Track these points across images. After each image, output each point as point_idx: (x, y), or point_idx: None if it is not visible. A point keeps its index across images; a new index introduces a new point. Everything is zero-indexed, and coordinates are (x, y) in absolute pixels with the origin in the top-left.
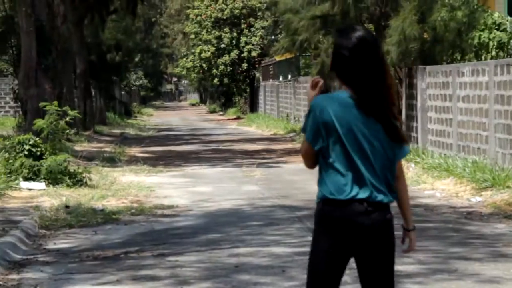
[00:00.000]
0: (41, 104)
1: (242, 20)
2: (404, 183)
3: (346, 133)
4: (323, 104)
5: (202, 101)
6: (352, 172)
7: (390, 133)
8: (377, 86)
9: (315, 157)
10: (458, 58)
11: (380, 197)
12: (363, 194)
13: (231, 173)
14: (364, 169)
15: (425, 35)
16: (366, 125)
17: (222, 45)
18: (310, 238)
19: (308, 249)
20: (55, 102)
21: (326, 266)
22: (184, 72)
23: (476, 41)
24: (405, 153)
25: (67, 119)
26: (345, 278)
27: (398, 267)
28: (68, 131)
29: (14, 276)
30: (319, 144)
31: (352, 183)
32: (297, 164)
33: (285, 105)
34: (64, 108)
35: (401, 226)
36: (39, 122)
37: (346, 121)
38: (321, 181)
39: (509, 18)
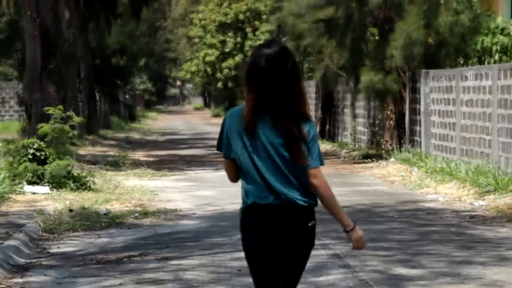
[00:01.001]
0: (46, 108)
1: (247, 24)
2: (323, 190)
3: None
4: (229, 117)
5: (206, 105)
6: (262, 181)
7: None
8: (280, 95)
9: (234, 168)
10: (462, 62)
11: (290, 201)
12: (274, 200)
13: None
14: (272, 177)
15: (430, 40)
16: (274, 134)
17: (226, 49)
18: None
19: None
20: (60, 106)
21: (260, 267)
22: (188, 76)
23: (479, 45)
24: (314, 164)
25: (72, 123)
26: (347, 282)
27: (400, 271)
28: (72, 135)
29: (18, 279)
30: (233, 154)
31: (263, 191)
32: None
33: None
34: (68, 113)
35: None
36: (44, 127)
37: (255, 132)
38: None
39: None
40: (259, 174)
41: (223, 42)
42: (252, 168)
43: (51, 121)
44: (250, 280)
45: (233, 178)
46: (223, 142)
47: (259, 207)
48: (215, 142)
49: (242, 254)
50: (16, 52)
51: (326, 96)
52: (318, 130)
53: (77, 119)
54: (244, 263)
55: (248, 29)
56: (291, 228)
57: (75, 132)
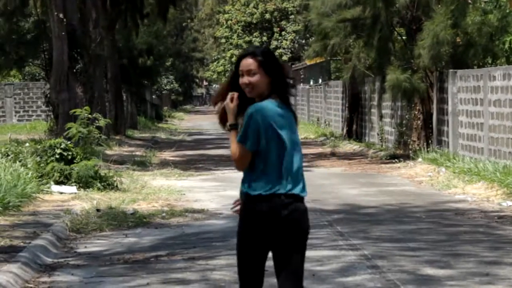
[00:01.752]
0: (73, 110)
1: (274, 24)
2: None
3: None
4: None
5: None
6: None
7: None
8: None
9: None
10: (490, 62)
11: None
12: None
13: None
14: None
15: (457, 39)
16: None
17: None
18: (341, 243)
19: (338, 252)
20: (87, 107)
21: (250, 255)
22: (214, 76)
23: (507, 45)
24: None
25: (98, 124)
26: (375, 282)
27: (428, 271)
28: (99, 136)
29: (45, 279)
30: (254, 146)
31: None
32: (328, 168)
33: (316, 109)
34: (95, 115)
35: None
36: (72, 129)
37: (281, 125)
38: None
39: None
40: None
41: (249, 43)
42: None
43: (78, 122)
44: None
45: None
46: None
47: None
48: None
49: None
50: (43, 52)
51: (353, 96)
52: (345, 130)
53: (103, 121)
54: (271, 263)
55: (276, 29)
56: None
57: (102, 135)
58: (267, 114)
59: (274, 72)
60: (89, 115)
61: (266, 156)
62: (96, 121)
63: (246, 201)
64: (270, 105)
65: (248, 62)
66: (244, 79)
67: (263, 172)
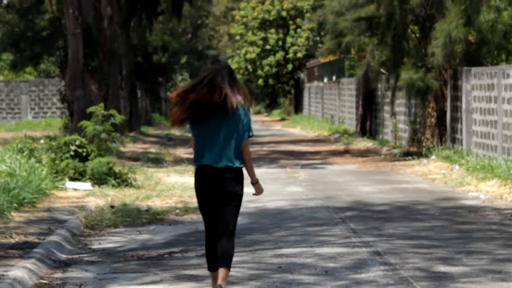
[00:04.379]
0: (89, 109)
1: (290, 21)
2: (245, 154)
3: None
4: None
5: None
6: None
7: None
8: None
9: None
10: (504, 59)
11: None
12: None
13: (275, 174)
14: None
15: (470, 37)
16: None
17: (268, 47)
18: (354, 240)
19: (351, 249)
20: (101, 104)
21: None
22: None
23: None
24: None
25: (113, 121)
26: (387, 279)
27: (441, 268)
28: (114, 133)
29: (59, 275)
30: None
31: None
32: (342, 165)
33: (330, 107)
34: (110, 112)
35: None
36: (87, 127)
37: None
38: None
39: None
40: None
41: (264, 39)
42: None
43: (93, 120)
44: (290, 276)
45: None
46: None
47: None
48: (255, 139)
49: (283, 251)
50: (58, 50)
51: (367, 94)
52: (359, 127)
53: (118, 118)
54: (285, 259)
55: (292, 26)
56: None
57: (117, 134)
58: None
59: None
60: (105, 112)
61: (198, 137)
62: (112, 118)
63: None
64: None
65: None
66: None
67: (198, 150)
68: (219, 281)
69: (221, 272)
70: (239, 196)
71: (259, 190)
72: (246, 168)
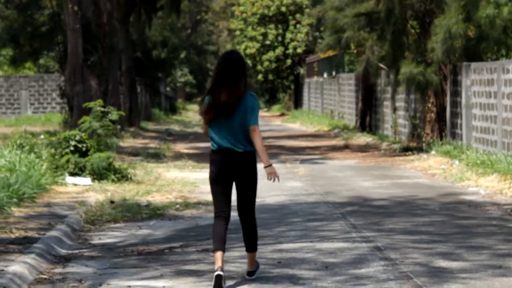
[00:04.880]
0: (86, 104)
1: (290, 17)
2: (255, 136)
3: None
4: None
5: None
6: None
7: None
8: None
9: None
10: (504, 54)
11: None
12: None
13: (275, 169)
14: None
15: (469, 33)
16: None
17: (267, 42)
18: (354, 235)
19: (351, 244)
20: (100, 100)
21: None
22: None
23: None
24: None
25: (111, 117)
26: (387, 274)
27: (441, 263)
28: (112, 128)
29: (59, 270)
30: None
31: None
32: (341, 160)
33: (330, 102)
34: (107, 108)
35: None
36: (85, 123)
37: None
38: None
39: None
40: None
41: (264, 35)
42: None
43: (91, 116)
44: (290, 272)
45: None
46: None
47: None
48: None
49: (283, 246)
50: (57, 45)
51: (367, 89)
52: (358, 122)
53: (116, 115)
54: (285, 254)
55: (292, 22)
56: None
57: (116, 128)
58: (209, 98)
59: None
60: (103, 108)
61: (212, 124)
62: (109, 114)
63: (213, 152)
64: None
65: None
66: None
67: (214, 135)
68: (249, 267)
69: (251, 256)
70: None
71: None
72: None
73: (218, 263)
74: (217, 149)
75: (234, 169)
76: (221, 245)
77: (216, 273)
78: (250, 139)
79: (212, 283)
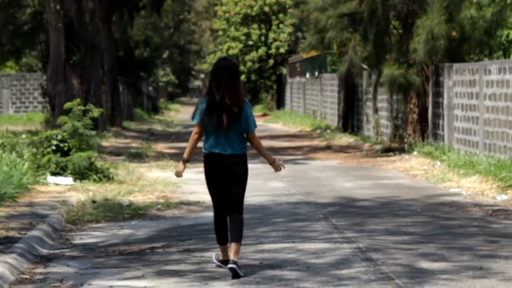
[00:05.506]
0: (65, 105)
1: (273, 17)
2: (256, 143)
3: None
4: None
5: None
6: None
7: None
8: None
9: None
10: (486, 55)
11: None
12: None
13: (257, 169)
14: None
15: (453, 33)
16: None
17: (250, 42)
18: (336, 235)
19: (333, 245)
20: (78, 100)
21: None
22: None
23: (504, 39)
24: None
25: (92, 114)
26: (369, 275)
27: (422, 264)
28: (92, 127)
29: (41, 270)
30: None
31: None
32: (323, 161)
33: (312, 102)
34: (87, 106)
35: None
36: (67, 123)
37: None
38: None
39: None
40: None
41: (247, 35)
42: None
43: (71, 115)
44: (272, 272)
45: None
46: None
47: None
48: None
49: (264, 246)
50: (40, 44)
51: (349, 89)
52: (341, 123)
53: (96, 112)
54: (266, 255)
55: (275, 22)
56: None
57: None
58: (203, 103)
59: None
60: (82, 107)
61: (207, 129)
62: (90, 112)
63: (206, 156)
64: (202, 97)
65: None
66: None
67: (210, 140)
68: (232, 256)
69: (235, 246)
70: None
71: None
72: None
73: (226, 256)
74: (209, 153)
75: (226, 170)
76: (223, 239)
77: (229, 265)
78: (243, 142)
79: (231, 274)
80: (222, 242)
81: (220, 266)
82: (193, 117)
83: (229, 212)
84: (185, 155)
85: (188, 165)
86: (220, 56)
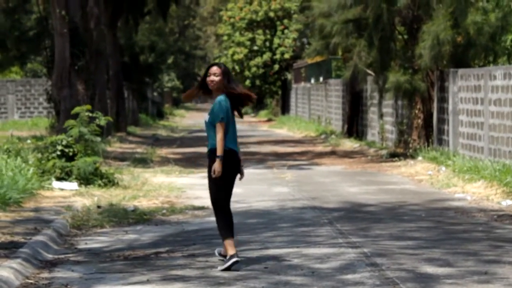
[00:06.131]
0: (74, 110)
1: (278, 22)
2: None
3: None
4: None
5: None
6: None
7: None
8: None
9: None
10: (491, 61)
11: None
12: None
13: (262, 174)
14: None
15: (458, 39)
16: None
17: (255, 47)
18: (341, 241)
19: (338, 250)
20: (88, 106)
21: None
22: None
23: (508, 44)
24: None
25: (99, 122)
26: (374, 280)
27: (427, 269)
28: (99, 134)
29: (46, 275)
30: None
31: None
32: (328, 166)
33: (317, 107)
34: (95, 114)
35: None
36: (74, 129)
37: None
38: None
39: None
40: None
41: (252, 40)
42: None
43: (78, 121)
44: (277, 277)
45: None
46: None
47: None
48: (242, 140)
49: (269, 251)
50: (45, 49)
51: (354, 95)
52: (346, 128)
53: (103, 121)
54: (271, 260)
55: (280, 27)
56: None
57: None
58: (227, 102)
59: (227, 78)
60: (90, 113)
61: (228, 127)
62: (97, 120)
63: (226, 152)
64: (224, 97)
65: (215, 69)
66: (211, 78)
67: (228, 137)
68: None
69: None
70: None
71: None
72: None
73: (234, 249)
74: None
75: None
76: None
77: (235, 259)
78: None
79: (228, 265)
80: (233, 235)
81: (222, 260)
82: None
83: (228, 207)
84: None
85: (193, 170)
86: (225, 61)
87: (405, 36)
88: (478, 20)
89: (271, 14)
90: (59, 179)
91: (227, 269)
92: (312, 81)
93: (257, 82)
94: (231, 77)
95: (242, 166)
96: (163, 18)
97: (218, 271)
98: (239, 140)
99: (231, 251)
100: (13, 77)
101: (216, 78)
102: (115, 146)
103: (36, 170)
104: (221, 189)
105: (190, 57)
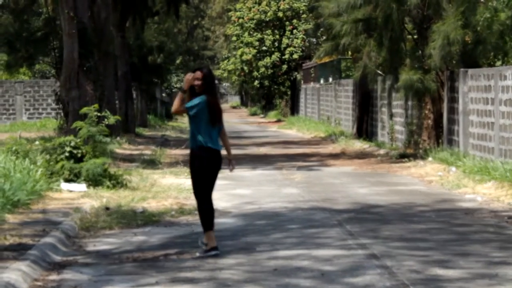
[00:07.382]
0: (82, 110)
1: (287, 22)
2: (224, 139)
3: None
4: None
5: (243, 103)
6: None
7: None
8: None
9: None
10: (500, 59)
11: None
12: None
13: (271, 176)
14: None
15: (467, 38)
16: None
17: (264, 48)
18: (350, 242)
19: (348, 252)
20: (96, 105)
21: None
22: (225, 75)
23: None
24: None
25: (107, 122)
26: (383, 282)
27: (437, 271)
28: (108, 134)
29: (54, 277)
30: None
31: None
32: (338, 167)
33: (326, 108)
34: (104, 113)
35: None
36: (83, 129)
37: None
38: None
39: None
40: None
41: (261, 41)
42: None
43: (87, 121)
44: (286, 279)
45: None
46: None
47: None
48: (251, 141)
49: (279, 253)
50: (53, 50)
51: (364, 95)
52: (355, 129)
53: (112, 119)
54: (281, 262)
55: (289, 27)
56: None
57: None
58: (203, 102)
59: (207, 81)
60: (98, 113)
61: (199, 125)
62: (105, 119)
63: (206, 149)
64: (204, 97)
65: (198, 73)
66: (195, 82)
67: (202, 134)
68: (214, 243)
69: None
70: None
71: None
72: None
73: (214, 242)
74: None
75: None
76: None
77: (216, 252)
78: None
79: (207, 254)
80: (212, 227)
81: (208, 251)
82: None
83: (210, 201)
84: None
85: None
86: (234, 61)
87: (415, 36)
88: (488, 16)
89: (280, 14)
90: (67, 180)
91: (203, 257)
92: (322, 81)
93: (266, 82)
94: (211, 82)
95: (232, 160)
96: (176, 17)
97: (228, 273)
98: (248, 140)
99: (212, 243)
100: (22, 78)
101: (199, 82)
102: (124, 147)
103: (44, 172)
104: (202, 184)
105: (199, 58)
